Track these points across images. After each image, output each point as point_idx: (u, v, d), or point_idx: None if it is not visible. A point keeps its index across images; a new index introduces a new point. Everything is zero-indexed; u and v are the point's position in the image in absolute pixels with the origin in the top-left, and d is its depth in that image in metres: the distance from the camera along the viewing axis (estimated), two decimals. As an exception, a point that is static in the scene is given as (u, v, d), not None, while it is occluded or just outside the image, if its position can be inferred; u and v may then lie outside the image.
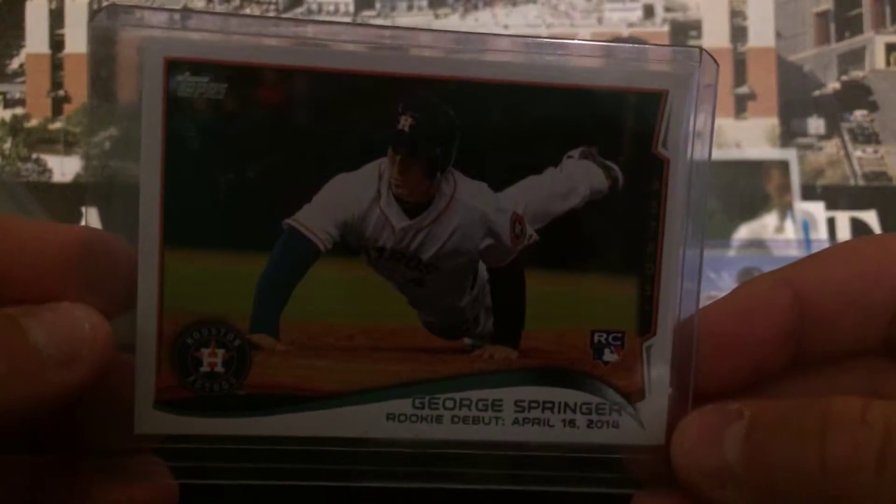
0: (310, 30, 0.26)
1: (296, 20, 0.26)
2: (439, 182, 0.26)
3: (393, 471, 0.27)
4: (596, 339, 0.27)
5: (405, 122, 0.26)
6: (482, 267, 0.27)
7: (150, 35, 0.25)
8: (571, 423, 0.27)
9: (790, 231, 0.85)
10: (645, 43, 0.91)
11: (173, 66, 0.25)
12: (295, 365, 0.26)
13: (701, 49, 0.26)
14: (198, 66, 0.25)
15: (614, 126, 0.26)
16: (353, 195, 0.26)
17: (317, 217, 0.26)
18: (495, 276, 0.27)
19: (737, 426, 0.24)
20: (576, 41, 0.26)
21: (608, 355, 0.27)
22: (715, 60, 0.26)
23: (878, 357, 0.27)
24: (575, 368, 0.27)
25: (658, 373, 0.27)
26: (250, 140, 0.25)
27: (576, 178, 0.26)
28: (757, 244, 0.81)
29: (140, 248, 0.25)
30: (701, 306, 0.27)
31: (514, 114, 0.26)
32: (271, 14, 0.89)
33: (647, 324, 0.27)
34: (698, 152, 0.26)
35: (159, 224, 0.25)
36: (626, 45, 0.26)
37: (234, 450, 0.26)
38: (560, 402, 0.27)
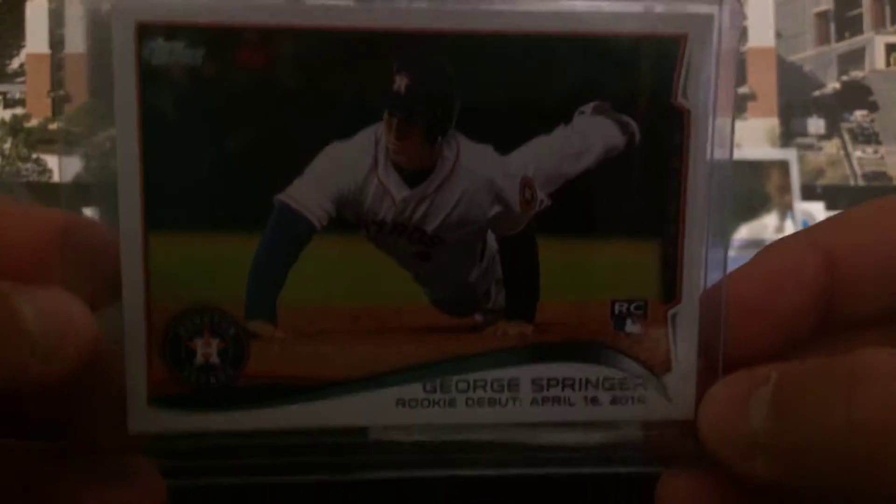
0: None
1: None
2: (441, 147, 0.24)
3: (405, 460, 0.26)
4: (617, 309, 0.25)
5: (401, 83, 0.23)
6: (491, 237, 0.25)
7: None
8: (594, 400, 0.25)
9: (790, 231, 0.85)
10: None
11: (145, 31, 0.23)
12: (295, 352, 0.24)
13: None
14: (172, 31, 0.23)
15: (629, 76, 0.24)
16: (348, 165, 0.24)
17: (310, 191, 0.24)
18: (505, 245, 0.25)
19: (762, 390, 0.23)
20: None
21: (630, 326, 0.25)
22: (739, 1, 0.24)
23: None
24: (595, 342, 0.25)
25: (685, 343, 0.25)
26: (233, 109, 0.23)
27: (589, 135, 0.24)
28: (757, 244, 0.81)
29: (122, 233, 0.23)
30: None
31: (519, 68, 0.24)
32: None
33: (671, 291, 0.25)
34: (722, 103, 0.24)
35: (140, 206, 0.23)
36: None
37: (235, 445, 0.25)
38: (581, 379, 0.25)
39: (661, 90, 0.24)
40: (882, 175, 0.89)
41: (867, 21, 0.91)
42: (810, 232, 0.26)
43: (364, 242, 0.25)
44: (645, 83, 0.24)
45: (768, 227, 0.83)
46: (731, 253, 0.78)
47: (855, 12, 0.92)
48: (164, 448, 0.24)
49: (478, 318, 0.26)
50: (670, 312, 0.25)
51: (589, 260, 0.25)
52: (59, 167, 0.26)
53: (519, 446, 0.26)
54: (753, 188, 0.84)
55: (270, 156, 0.24)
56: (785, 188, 0.84)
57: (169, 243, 0.23)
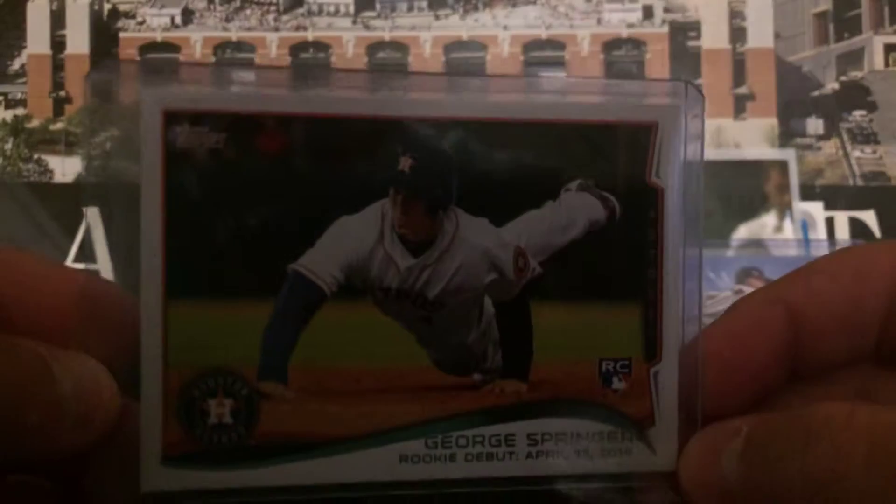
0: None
1: (290, 68, 0.27)
2: (441, 220, 0.27)
3: None
4: (604, 367, 0.27)
5: (405, 163, 0.26)
6: (488, 302, 0.28)
7: (148, 87, 0.25)
8: (585, 452, 0.27)
9: (789, 231, 0.85)
10: (644, 44, 0.92)
11: (172, 118, 0.25)
12: (304, 411, 0.26)
13: (686, 82, 0.27)
14: (196, 117, 0.25)
15: (609, 158, 0.27)
16: (357, 237, 0.26)
17: (321, 261, 0.26)
18: (501, 310, 0.28)
19: (734, 443, 0.24)
20: (569, 78, 0.28)
21: (617, 383, 0.27)
22: (700, 92, 0.27)
23: (871, 365, 0.27)
24: (585, 398, 0.27)
25: (666, 398, 0.27)
26: (251, 187, 0.25)
27: (575, 210, 0.27)
28: (756, 244, 0.81)
29: (142, 302, 0.25)
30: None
31: (511, 150, 0.26)
32: (272, 14, 0.90)
33: (652, 350, 0.27)
34: (691, 179, 0.27)
35: (162, 277, 0.25)
36: (618, 80, 0.27)
37: (246, 503, 0.25)
38: (572, 433, 0.27)
39: (637, 170, 0.27)
40: (881, 175, 0.89)
41: (866, 21, 0.92)
42: (773, 287, 0.28)
43: (371, 307, 0.27)
44: (622, 164, 0.27)
45: (767, 226, 0.84)
46: (730, 253, 0.78)
47: (854, 13, 0.92)
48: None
49: (476, 377, 0.27)
50: (652, 370, 0.27)
51: (578, 322, 0.27)
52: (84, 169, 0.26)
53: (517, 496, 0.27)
54: (752, 188, 0.84)
55: (284, 229, 0.26)
56: (784, 188, 0.85)
57: (186, 310, 0.25)
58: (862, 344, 0.27)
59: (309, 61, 0.91)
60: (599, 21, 0.91)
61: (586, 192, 0.27)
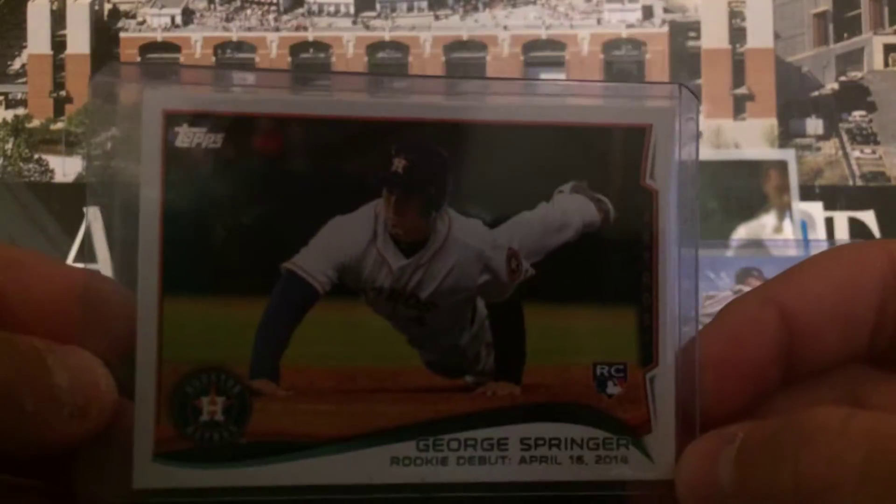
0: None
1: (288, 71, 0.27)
2: (434, 221, 0.27)
3: None
4: (598, 371, 0.27)
5: (399, 164, 0.26)
6: (481, 303, 0.27)
7: (149, 89, 0.25)
8: (580, 459, 0.27)
9: (788, 231, 0.85)
10: (644, 44, 0.92)
11: (171, 118, 0.25)
12: (296, 410, 0.26)
13: (680, 84, 0.27)
14: (195, 118, 0.25)
15: (603, 160, 0.27)
16: (350, 237, 0.26)
17: (315, 260, 0.26)
18: (494, 312, 0.27)
19: (729, 450, 0.24)
20: (564, 81, 0.28)
21: (612, 388, 0.27)
22: (695, 95, 0.27)
23: (864, 365, 0.27)
24: (579, 402, 0.27)
25: (663, 403, 0.27)
26: (247, 187, 0.26)
27: (568, 212, 0.27)
28: (755, 244, 0.81)
29: (139, 297, 0.25)
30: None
31: (505, 152, 0.26)
32: (272, 14, 0.90)
33: (648, 354, 0.27)
34: (686, 181, 0.27)
35: (158, 274, 0.25)
36: (613, 83, 0.28)
37: (235, 502, 0.25)
38: (567, 438, 0.27)
39: (631, 173, 0.27)
40: (880, 175, 0.89)
41: (865, 22, 0.92)
42: (766, 288, 0.28)
43: (363, 307, 0.27)
44: (617, 167, 0.27)
45: (767, 227, 0.84)
46: (730, 253, 0.78)
47: (853, 13, 0.92)
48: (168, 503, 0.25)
49: (469, 379, 0.27)
50: (648, 375, 0.27)
51: (572, 325, 0.27)
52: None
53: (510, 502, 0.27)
54: (752, 188, 0.84)
55: (279, 228, 0.26)
56: (783, 188, 0.85)
57: (182, 307, 0.25)
58: (855, 343, 0.27)
59: (309, 61, 0.91)
60: (599, 21, 0.91)
61: (579, 193, 0.27)
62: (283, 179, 0.26)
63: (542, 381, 0.27)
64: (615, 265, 0.27)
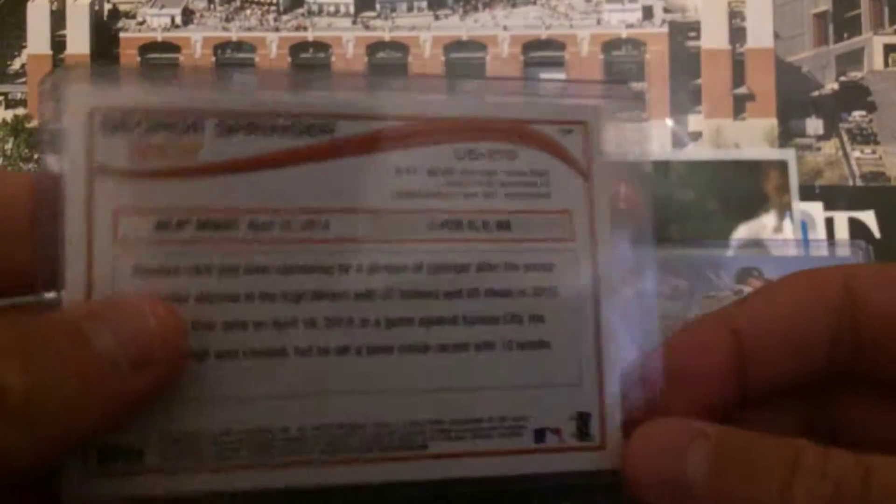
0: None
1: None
2: None
3: None
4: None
5: None
6: None
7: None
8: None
9: (789, 231, 0.85)
10: (644, 44, 0.92)
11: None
12: None
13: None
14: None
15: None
16: None
17: None
18: None
19: (703, 443, 0.24)
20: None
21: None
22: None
23: (819, 388, 0.28)
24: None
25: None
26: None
27: None
28: (755, 244, 0.81)
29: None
30: (690, 314, 0.28)
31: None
32: (272, 14, 0.90)
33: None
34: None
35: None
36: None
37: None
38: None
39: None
40: (880, 175, 0.89)
41: (866, 22, 0.92)
42: (722, 311, 0.28)
43: None
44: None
45: (767, 227, 0.84)
46: (730, 253, 0.78)
47: (853, 13, 0.92)
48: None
49: None
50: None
51: None
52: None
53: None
54: (752, 188, 0.84)
55: None
56: (783, 188, 0.85)
57: None
58: (809, 365, 0.27)
59: (309, 61, 0.91)
60: (599, 21, 0.91)
61: None
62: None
63: None
64: None
